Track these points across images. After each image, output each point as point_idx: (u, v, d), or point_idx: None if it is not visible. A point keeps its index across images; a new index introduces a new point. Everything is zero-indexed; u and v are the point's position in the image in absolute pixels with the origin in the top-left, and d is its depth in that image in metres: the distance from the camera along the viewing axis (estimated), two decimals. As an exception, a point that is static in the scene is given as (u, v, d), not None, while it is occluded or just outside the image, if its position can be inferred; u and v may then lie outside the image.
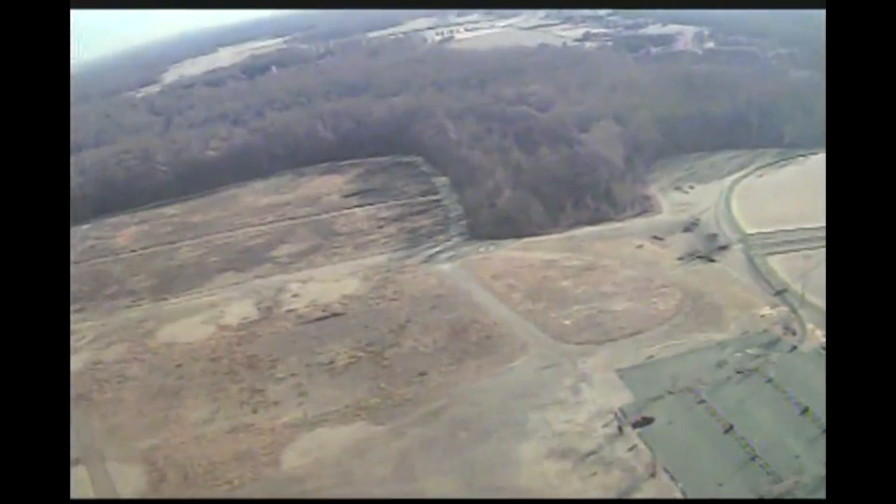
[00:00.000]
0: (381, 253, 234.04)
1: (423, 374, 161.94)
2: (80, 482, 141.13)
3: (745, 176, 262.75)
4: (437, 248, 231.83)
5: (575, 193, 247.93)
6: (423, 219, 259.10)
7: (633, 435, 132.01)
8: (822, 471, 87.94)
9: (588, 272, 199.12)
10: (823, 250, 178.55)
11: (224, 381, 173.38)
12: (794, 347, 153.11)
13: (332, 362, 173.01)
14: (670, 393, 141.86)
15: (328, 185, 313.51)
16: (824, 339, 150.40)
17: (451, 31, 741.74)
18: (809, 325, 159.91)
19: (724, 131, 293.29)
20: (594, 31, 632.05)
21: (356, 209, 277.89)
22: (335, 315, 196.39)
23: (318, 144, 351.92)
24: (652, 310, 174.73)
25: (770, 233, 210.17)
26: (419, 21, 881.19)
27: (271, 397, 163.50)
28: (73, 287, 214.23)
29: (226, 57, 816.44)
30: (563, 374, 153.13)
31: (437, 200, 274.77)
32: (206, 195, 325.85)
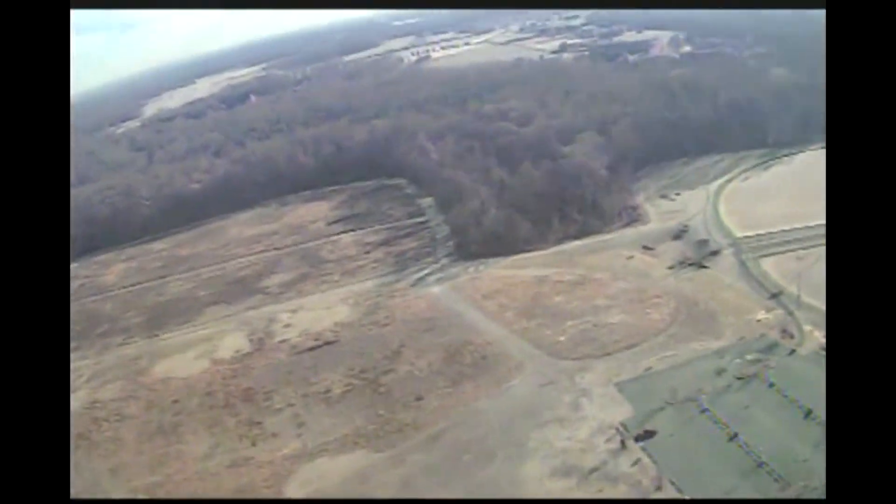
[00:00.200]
0: (370, 278, 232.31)
1: (420, 398, 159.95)
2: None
3: (730, 179, 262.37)
4: (425, 271, 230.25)
5: (561, 207, 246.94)
6: (411, 241, 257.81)
7: (636, 449, 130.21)
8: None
9: (580, 286, 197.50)
10: (815, 250, 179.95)
11: (221, 416, 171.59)
12: (793, 350, 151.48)
13: (328, 391, 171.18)
14: (671, 404, 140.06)
15: (313, 212, 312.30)
16: (823, 341, 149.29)
17: (427, 50, 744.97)
18: (807, 327, 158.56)
19: (707, 135, 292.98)
20: (570, 41, 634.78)
21: (342, 235, 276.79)
22: (328, 343, 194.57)
23: (301, 172, 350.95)
24: (647, 321, 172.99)
25: (760, 235, 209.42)
26: (395, 42, 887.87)
27: (269, 429, 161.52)
28: None
29: (204, 87, 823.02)
30: (562, 391, 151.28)
31: (424, 222, 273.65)
32: (192, 228, 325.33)
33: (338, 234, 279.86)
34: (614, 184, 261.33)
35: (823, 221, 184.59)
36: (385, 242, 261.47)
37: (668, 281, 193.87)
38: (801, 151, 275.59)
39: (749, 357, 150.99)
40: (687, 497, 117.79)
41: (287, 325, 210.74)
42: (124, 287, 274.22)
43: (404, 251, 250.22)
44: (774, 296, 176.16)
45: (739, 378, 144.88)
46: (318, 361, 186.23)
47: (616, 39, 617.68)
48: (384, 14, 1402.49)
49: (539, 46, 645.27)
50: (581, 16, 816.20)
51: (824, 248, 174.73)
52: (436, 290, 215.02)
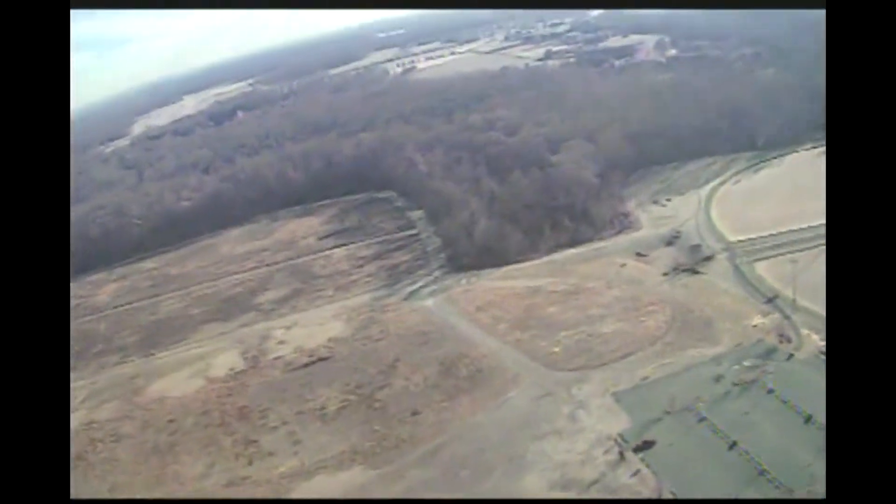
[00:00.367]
0: (363, 293, 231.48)
1: (416, 413, 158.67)
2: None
3: (721, 183, 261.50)
4: (418, 284, 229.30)
5: (552, 216, 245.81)
6: (402, 255, 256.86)
7: (635, 460, 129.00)
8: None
9: (573, 296, 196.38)
10: (809, 253, 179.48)
11: (217, 435, 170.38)
12: (791, 355, 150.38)
13: (323, 408, 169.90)
14: (669, 413, 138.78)
15: (303, 227, 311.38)
16: (821, 344, 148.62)
17: (413, 61, 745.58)
18: (804, 331, 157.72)
19: (697, 139, 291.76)
20: (555, 48, 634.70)
21: (334, 250, 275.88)
22: (322, 360, 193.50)
23: (290, 187, 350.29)
24: (642, 329, 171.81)
25: (753, 239, 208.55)
26: (380, 54, 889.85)
27: (266, 448, 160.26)
28: None
29: (191, 104, 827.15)
30: (559, 403, 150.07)
31: (415, 235, 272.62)
32: (183, 246, 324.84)
33: (329, 248, 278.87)
34: (605, 191, 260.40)
35: (816, 223, 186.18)
36: (377, 256, 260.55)
37: (663, 288, 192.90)
38: (792, 153, 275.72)
39: (747, 363, 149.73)
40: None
41: (281, 342, 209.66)
42: (117, 306, 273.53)
43: (396, 265, 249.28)
44: (770, 300, 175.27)
45: (737, 384, 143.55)
46: (313, 378, 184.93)
47: (601, 45, 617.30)
48: (368, 26, 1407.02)
49: (524, 54, 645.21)
50: (566, 22, 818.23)
51: (818, 250, 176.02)
52: (429, 303, 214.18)
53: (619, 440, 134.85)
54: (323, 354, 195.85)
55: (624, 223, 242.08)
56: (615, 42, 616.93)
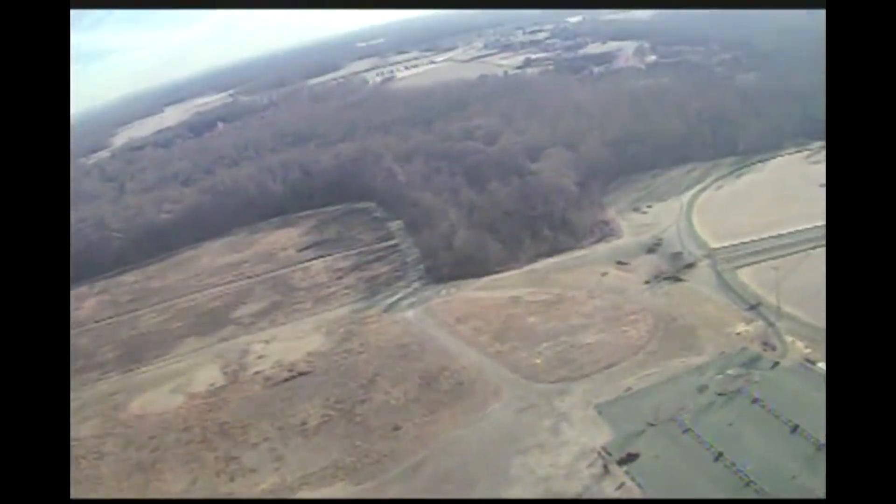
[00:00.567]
0: (343, 305, 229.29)
1: (397, 428, 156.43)
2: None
3: (703, 189, 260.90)
4: (398, 295, 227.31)
5: (532, 225, 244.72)
6: (381, 266, 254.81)
7: (619, 472, 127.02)
8: (822, 489, 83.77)
9: (554, 306, 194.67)
10: (792, 258, 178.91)
11: (199, 451, 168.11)
12: (776, 363, 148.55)
13: (304, 423, 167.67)
14: (653, 425, 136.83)
15: (283, 239, 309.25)
16: (806, 352, 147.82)
17: (392, 71, 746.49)
18: (789, 338, 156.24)
19: (678, 145, 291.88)
20: (534, 56, 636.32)
21: (313, 262, 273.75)
22: (302, 374, 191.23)
23: (270, 198, 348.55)
24: (624, 339, 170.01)
25: (735, 245, 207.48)
26: (359, 63, 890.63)
27: (247, 464, 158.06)
28: None
29: (173, 116, 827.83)
30: (541, 416, 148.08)
31: (394, 245, 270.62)
32: (164, 259, 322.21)
33: (308, 260, 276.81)
34: (585, 199, 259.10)
35: (799, 228, 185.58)
36: (356, 268, 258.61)
37: (645, 296, 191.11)
38: (773, 157, 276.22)
39: (731, 372, 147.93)
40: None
41: (261, 357, 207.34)
42: (98, 321, 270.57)
43: (376, 276, 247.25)
44: (753, 307, 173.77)
45: (722, 394, 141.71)
46: (294, 393, 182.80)
47: (581, 52, 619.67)
48: (348, 35, 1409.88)
49: (503, 62, 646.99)
50: (545, 29, 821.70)
51: (801, 255, 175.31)
52: (409, 314, 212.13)
53: (603, 453, 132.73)
54: (303, 369, 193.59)
55: (604, 231, 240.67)
56: (594, 49, 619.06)
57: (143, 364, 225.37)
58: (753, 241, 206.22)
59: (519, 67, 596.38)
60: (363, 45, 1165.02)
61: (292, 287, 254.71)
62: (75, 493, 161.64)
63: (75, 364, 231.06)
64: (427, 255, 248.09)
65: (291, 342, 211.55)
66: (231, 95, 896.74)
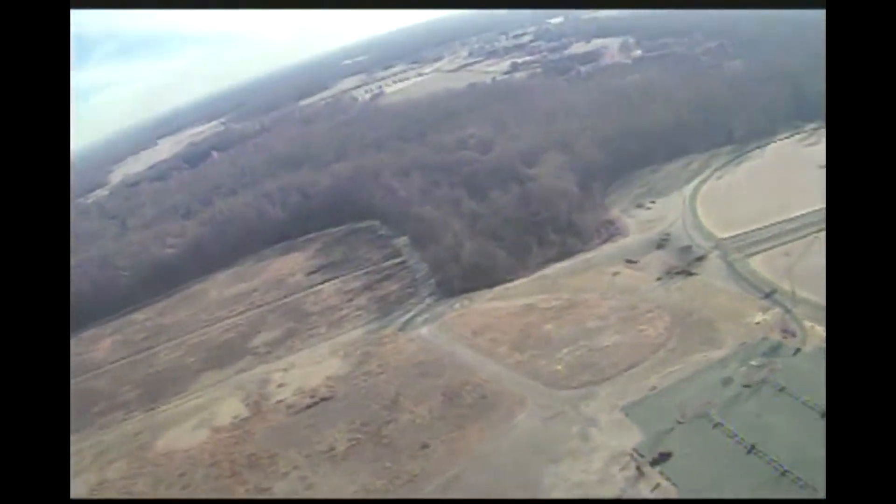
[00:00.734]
0: (357, 327, 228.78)
1: (425, 446, 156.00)
2: None
3: (704, 180, 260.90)
4: (411, 313, 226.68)
5: (537, 231, 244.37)
6: (392, 284, 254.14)
7: (653, 473, 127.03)
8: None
9: (569, 311, 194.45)
10: (801, 242, 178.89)
11: (229, 485, 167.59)
12: (798, 349, 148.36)
13: (331, 449, 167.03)
14: (681, 422, 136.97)
15: (290, 264, 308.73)
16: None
17: (380, 86, 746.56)
18: (808, 323, 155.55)
19: (672, 139, 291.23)
20: (520, 60, 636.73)
21: (323, 285, 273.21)
22: (324, 399, 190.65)
23: (272, 225, 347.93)
24: (643, 339, 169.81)
25: (743, 234, 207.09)
26: (346, 81, 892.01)
27: (279, 494, 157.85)
28: None
29: (166, 148, 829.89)
30: (569, 423, 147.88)
31: (402, 262, 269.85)
32: (173, 294, 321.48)
33: (318, 284, 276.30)
34: (587, 200, 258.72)
35: (803, 212, 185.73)
36: (366, 288, 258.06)
37: (658, 293, 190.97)
38: (770, 143, 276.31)
39: (754, 362, 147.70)
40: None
41: (281, 385, 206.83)
42: (114, 362, 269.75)
43: (387, 295, 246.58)
44: (768, 295, 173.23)
45: (747, 386, 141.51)
46: (317, 419, 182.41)
47: (566, 52, 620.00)
48: (331, 54, 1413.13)
49: (490, 69, 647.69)
50: (529, 32, 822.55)
51: (810, 239, 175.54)
52: (424, 331, 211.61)
53: (635, 455, 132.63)
54: (324, 394, 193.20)
55: (610, 231, 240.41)
56: (579, 48, 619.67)
57: (165, 401, 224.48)
58: (761, 228, 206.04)
59: (506, 73, 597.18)
60: (349, 62, 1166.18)
61: (305, 312, 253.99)
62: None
63: (96, 407, 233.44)
64: (436, 270, 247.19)
65: (310, 368, 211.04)
66: (222, 123, 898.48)
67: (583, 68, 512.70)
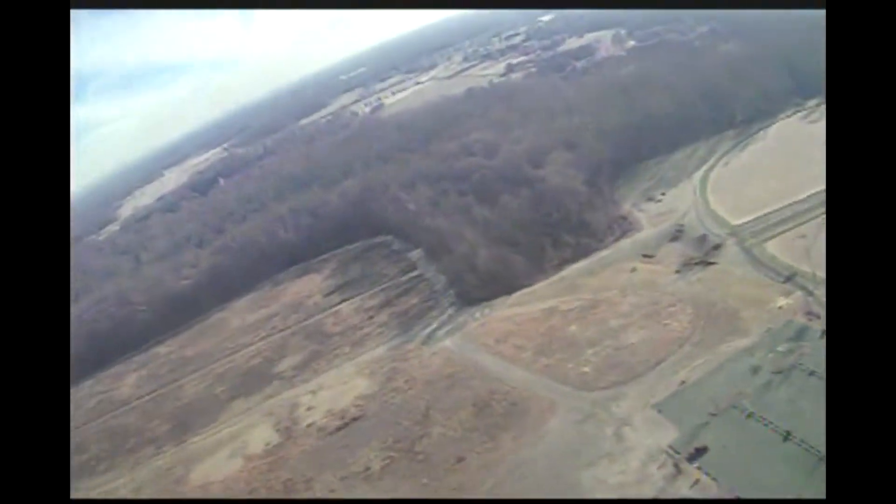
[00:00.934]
0: (380, 344, 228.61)
1: (461, 459, 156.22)
2: None
3: (711, 168, 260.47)
4: (433, 325, 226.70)
5: (550, 233, 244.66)
6: (411, 298, 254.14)
7: (691, 470, 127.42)
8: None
9: (591, 311, 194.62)
10: (815, 223, 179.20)
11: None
12: (825, 331, 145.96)
13: (367, 469, 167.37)
14: (714, 415, 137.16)
15: (307, 286, 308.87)
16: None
17: (378, 99, 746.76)
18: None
19: (676, 128, 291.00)
20: (515, 61, 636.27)
21: (342, 305, 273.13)
22: (355, 419, 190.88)
23: (284, 248, 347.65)
24: (668, 333, 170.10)
25: (757, 218, 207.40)
26: (344, 97, 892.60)
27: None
28: (94, 448, 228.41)
29: (172, 179, 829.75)
30: (602, 424, 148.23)
31: (418, 276, 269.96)
32: (193, 325, 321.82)
33: (337, 304, 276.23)
34: (597, 197, 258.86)
35: (814, 191, 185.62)
36: (386, 304, 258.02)
37: (678, 286, 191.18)
38: (773, 123, 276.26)
39: (781, 348, 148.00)
40: None
41: (310, 408, 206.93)
42: (141, 397, 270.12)
43: (407, 309, 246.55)
44: (789, 278, 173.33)
45: (777, 372, 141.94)
46: (350, 440, 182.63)
47: (560, 49, 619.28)
48: (325, 71, 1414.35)
49: (486, 72, 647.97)
50: (520, 32, 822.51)
51: (824, 220, 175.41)
52: (448, 343, 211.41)
53: (671, 452, 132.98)
54: (354, 414, 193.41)
55: (623, 226, 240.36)
56: (573, 44, 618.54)
57: (195, 433, 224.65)
58: (773, 211, 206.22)
59: (503, 75, 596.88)
60: (345, 77, 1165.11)
61: (327, 333, 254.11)
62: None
63: (127, 444, 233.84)
64: (453, 281, 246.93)
65: (338, 389, 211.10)
66: (225, 149, 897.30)
67: (578, 64, 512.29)
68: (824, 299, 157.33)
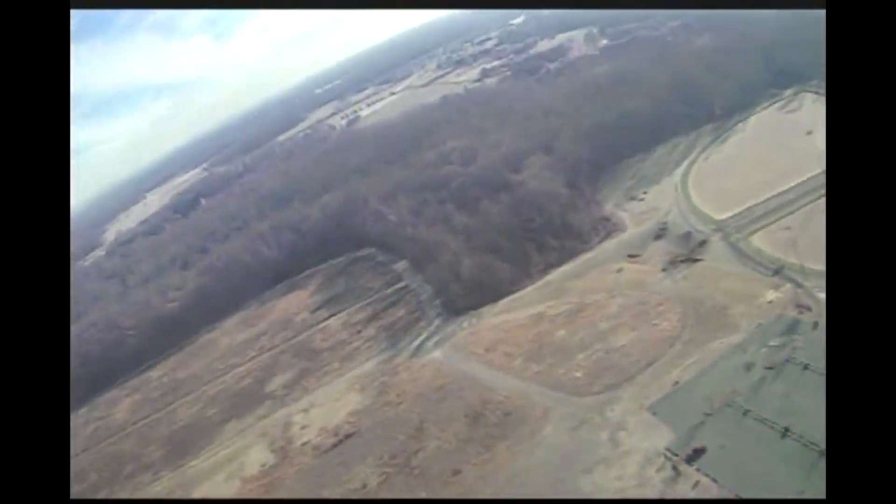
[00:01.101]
0: (369, 359, 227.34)
1: (457, 472, 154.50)
2: None
3: (692, 163, 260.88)
4: (421, 337, 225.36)
5: (534, 238, 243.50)
6: (398, 310, 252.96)
7: (690, 471, 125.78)
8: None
9: (579, 314, 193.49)
10: (799, 214, 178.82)
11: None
12: (816, 323, 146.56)
13: (364, 486, 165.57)
14: (710, 415, 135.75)
15: (294, 303, 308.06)
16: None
17: (354, 111, 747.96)
18: (821, 295, 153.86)
19: (654, 124, 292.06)
20: (489, 66, 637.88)
21: (329, 320, 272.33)
22: (349, 436, 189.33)
23: (270, 265, 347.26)
24: (657, 333, 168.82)
25: (741, 213, 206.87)
26: (321, 110, 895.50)
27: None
28: (93, 476, 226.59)
29: (155, 201, 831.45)
30: (596, 429, 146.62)
31: (404, 287, 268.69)
32: (183, 347, 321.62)
33: (324, 320, 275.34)
34: (578, 199, 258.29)
35: (796, 182, 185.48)
36: (373, 317, 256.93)
37: (665, 285, 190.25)
38: (751, 115, 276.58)
39: (773, 343, 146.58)
40: None
41: (304, 427, 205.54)
42: (136, 422, 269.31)
43: (394, 322, 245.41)
44: (777, 272, 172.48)
45: (770, 367, 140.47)
46: (345, 457, 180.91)
47: (532, 52, 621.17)
48: (301, 85, 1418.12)
49: (460, 79, 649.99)
50: (492, 36, 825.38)
51: (808, 209, 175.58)
52: (437, 354, 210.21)
53: (669, 454, 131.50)
54: (348, 431, 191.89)
55: (607, 227, 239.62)
56: (545, 45, 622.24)
57: (192, 457, 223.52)
58: (757, 204, 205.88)
59: (477, 80, 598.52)
60: (320, 91, 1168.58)
61: (316, 350, 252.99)
62: None
63: (124, 470, 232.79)
64: (439, 291, 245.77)
65: (330, 406, 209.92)
66: (205, 169, 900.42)
67: (551, 66, 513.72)
68: (814, 291, 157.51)
